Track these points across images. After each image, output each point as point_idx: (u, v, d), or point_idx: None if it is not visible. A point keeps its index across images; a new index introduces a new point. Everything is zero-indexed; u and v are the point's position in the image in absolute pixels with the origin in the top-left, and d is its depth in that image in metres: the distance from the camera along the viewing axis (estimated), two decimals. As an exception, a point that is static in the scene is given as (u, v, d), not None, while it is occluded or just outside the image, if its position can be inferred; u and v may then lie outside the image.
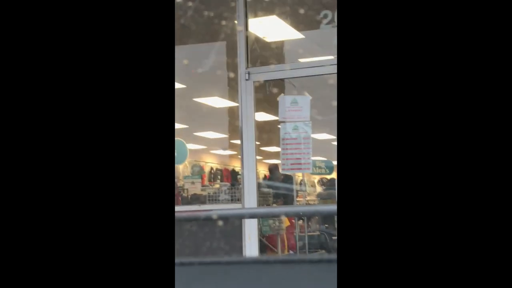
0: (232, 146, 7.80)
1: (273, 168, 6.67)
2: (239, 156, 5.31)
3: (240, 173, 5.62)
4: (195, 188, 6.06)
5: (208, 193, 5.75)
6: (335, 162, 6.09)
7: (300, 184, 7.25)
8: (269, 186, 6.41)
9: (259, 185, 5.49)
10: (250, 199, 5.14)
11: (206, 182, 7.71)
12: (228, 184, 5.97)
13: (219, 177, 8.06)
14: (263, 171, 8.15)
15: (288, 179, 6.28)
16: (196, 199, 5.75)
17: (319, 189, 8.70)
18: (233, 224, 5.11)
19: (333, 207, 4.02)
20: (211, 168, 8.37)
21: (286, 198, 6.28)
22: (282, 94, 5.17)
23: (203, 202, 5.64)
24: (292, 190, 6.16)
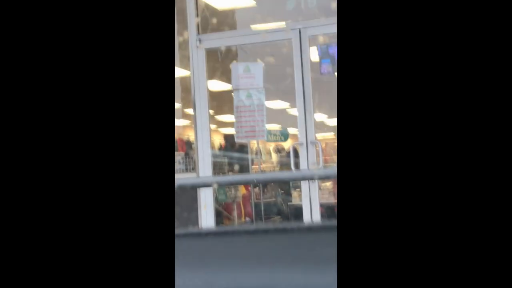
0: (185, 116, 7.74)
1: (229, 137, 6.67)
2: (193, 126, 5.27)
3: (194, 143, 5.58)
4: (149, 159, 5.99)
5: (163, 164, 5.69)
6: (289, 130, 6.11)
7: (256, 152, 7.27)
8: (224, 155, 6.41)
9: (213, 154, 5.48)
10: (205, 169, 5.13)
11: (161, 153, 7.62)
12: (182, 154, 5.92)
13: (173, 147, 8.02)
14: (218, 140, 8.14)
15: (243, 147, 6.29)
16: None
17: (274, 156, 8.75)
18: (188, 194, 5.10)
19: (288, 174, 4.05)
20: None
21: (242, 166, 6.29)
22: (235, 62, 5.13)
23: (158, 173, 5.58)
24: (247, 158, 6.18)
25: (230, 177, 4.17)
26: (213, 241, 0.56)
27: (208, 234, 0.58)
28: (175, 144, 8.03)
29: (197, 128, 5.14)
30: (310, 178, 4.15)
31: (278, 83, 5.61)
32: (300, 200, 5.35)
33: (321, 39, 4.99)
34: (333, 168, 4.86)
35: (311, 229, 0.51)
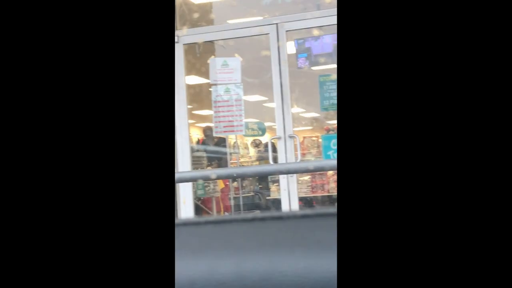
0: (163, 111, 7.66)
1: (207, 131, 6.66)
2: (171, 121, 5.26)
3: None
4: (127, 154, 5.96)
5: (141, 159, 5.67)
6: (267, 123, 6.14)
7: (234, 146, 7.28)
8: (202, 150, 6.41)
9: (192, 149, 5.48)
10: (184, 163, 5.13)
11: (139, 148, 7.59)
12: (161, 149, 5.90)
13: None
14: (196, 135, 8.12)
15: (222, 141, 6.30)
16: None
17: (252, 150, 8.77)
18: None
19: (267, 168, 4.07)
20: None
21: (220, 161, 6.30)
22: (213, 57, 5.14)
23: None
24: (225, 152, 6.19)
25: (210, 172, 4.18)
26: (192, 230, 0.57)
27: (187, 224, 0.59)
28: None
29: (175, 123, 5.14)
30: (289, 172, 4.18)
31: (255, 78, 5.63)
32: (279, 194, 5.39)
33: (297, 33, 5.02)
34: (311, 162, 4.90)
35: (290, 217, 0.52)
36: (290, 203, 4.92)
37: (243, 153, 8.43)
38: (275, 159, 5.05)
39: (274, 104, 4.97)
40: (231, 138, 6.73)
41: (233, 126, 5.05)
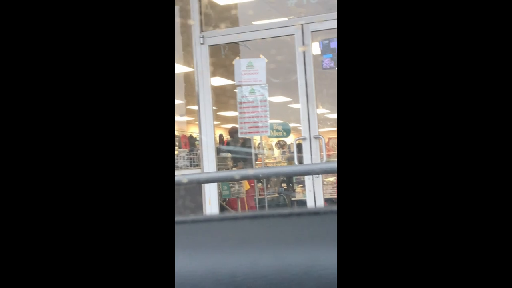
0: (189, 112, 7.73)
1: (233, 132, 6.68)
2: (197, 122, 5.28)
3: (198, 139, 5.59)
4: (153, 155, 6.00)
5: (167, 160, 5.71)
6: (291, 124, 6.13)
7: (258, 147, 7.29)
8: (227, 151, 6.43)
9: (217, 150, 5.50)
10: (209, 164, 5.15)
11: (164, 149, 7.63)
12: (186, 150, 5.94)
13: (177, 143, 8.02)
14: (222, 136, 8.14)
15: (247, 142, 6.31)
16: None
17: (277, 151, 8.76)
18: (193, 190, 5.12)
19: (293, 168, 4.07)
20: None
21: (245, 162, 6.31)
22: (238, 58, 5.15)
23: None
24: (250, 153, 6.20)
25: (234, 172, 4.19)
26: (231, 225, 0.57)
27: (225, 219, 0.59)
28: (179, 141, 8.03)
29: (201, 124, 5.17)
30: (314, 173, 4.16)
31: (280, 78, 5.62)
32: (304, 195, 5.37)
33: (323, 34, 5.00)
34: (336, 163, 4.84)
35: (317, 212, 0.52)
36: (315, 204, 4.91)
37: (268, 154, 8.43)
38: (300, 160, 5.04)
39: (299, 105, 4.96)
40: (255, 139, 6.73)
41: (258, 127, 5.06)
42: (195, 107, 5.31)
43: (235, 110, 5.09)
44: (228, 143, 7.06)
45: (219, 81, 6.00)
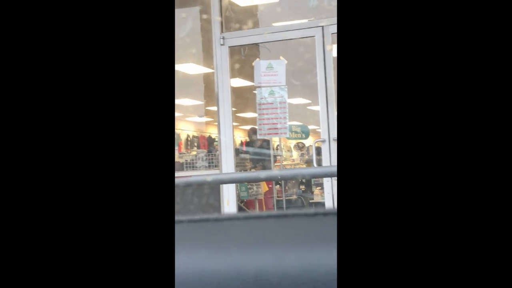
0: (208, 113, 7.75)
1: (252, 133, 6.68)
2: (216, 123, 5.29)
3: (216, 139, 5.61)
4: (172, 156, 6.03)
5: (186, 160, 5.75)
6: (310, 127, 6.11)
7: (277, 149, 7.28)
8: (246, 152, 6.43)
9: (236, 151, 5.51)
10: (228, 165, 5.16)
11: (183, 150, 7.69)
12: (205, 151, 5.96)
13: (195, 144, 8.04)
14: (239, 137, 8.15)
15: (266, 144, 6.30)
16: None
17: (295, 153, 8.74)
18: (211, 191, 5.13)
19: (317, 170, 4.05)
20: (188, 136, 8.34)
21: (264, 163, 6.31)
22: (258, 59, 5.15)
23: (181, 170, 5.63)
24: (269, 155, 6.19)
25: (255, 173, 4.19)
26: (254, 224, 0.57)
27: (248, 218, 0.59)
28: (198, 142, 8.07)
29: (220, 125, 5.18)
30: (333, 175, 4.15)
31: (300, 80, 5.61)
32: (322, 197, 5.35)
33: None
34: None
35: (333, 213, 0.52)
36: (334, 206, 4.89)
37: (286, 156, 8.41)
38: (319, 163, 5.02)
39: (319, 107, 4.95)
40: (274, 141, 6.73)
41: (277, 128, 5.05)
42: (214, 108, 5.32)
43: (254, 111, 5.09)
44: (247, 144, 7.06)
45: (239, 82, 6.00)
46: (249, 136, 6.84)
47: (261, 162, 6.31)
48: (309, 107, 7.08)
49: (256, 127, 5.12)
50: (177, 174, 5.44)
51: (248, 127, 7.66)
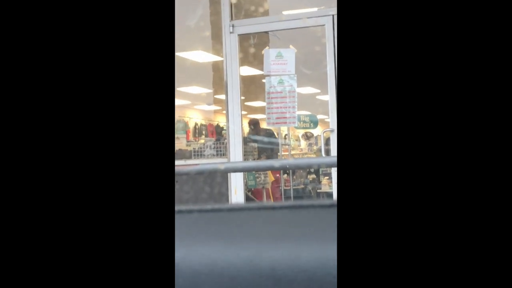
0: (216, 102, 7.75)
1: (251, 123, 6.65)
2: (224, 112, 5.28)
3: (225, 128, 5.60)
4: (180, 144, 6.05)
5: (194, 148, 5.75)
6: (319, 116, 6.09)
7: (285, 138, 7.27)
8: (254, 141, 6.42)
9: (244, 140, 5.50)
10: (236, 154, 5.15)
11: (191, 138, 7.70)
12: (213, 139, 5.95)
13: (203, 132, 8.05)
14: (247, 127, 8.15)
15: (271, 133, 6.28)
16: (181, 154, 5.74)
17: (303, 143, 8.73)
18: (219, 179, 5.13)
19: (319, 160, 4.04)
20: (196, 124, 8.34)
21: (271, 153, 6.30)
22: (267, 47, 5.12)
23: (189, 158, 5.63)
24: (277, 144, 6.18)
25: (263, 162, 4.18)
26: (268, 215, 0.56)
27: (261, 208, 0.58)
28: (205, 130, 8.07)
29: (228, 114, 5.16)
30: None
31: (309, 69, 5.59)
32: (330, 187, 5.35)
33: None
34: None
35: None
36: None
37: (294, 146, 8.40)
38: (327, 152, 5.01)
39: (328, 97, 4.92)
40: (282, 130, 6.71)
41: (285, 118, 5.03)
42: (222, 97, 5.31)
43: (262, 100, 5.06)
44: (254, 134, 7.05)
45: (248, 70, 5.98)
46: (249, 126, 6.80)
47: (267, 151, 6.30)
48: (318, 97, 7.06)
49: (256, 118, 5.09)
50: (185, 162, 5.45)
51: (257, 115, 7.64)
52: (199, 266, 0.49)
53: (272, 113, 5.03)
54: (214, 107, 8.11)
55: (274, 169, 5.29)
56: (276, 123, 5.11)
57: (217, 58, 5.64)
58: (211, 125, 7.82)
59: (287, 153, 7.08)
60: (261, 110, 5.91)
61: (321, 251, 0.47)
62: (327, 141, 5.05)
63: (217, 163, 4.84)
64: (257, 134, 6.43)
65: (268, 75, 4.97)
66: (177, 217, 0.56)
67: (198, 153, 5.64)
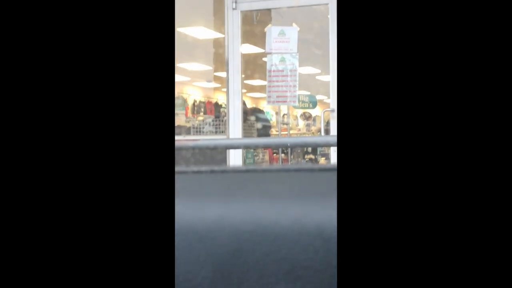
0: (216, 79, 7.72)
1: (257, 101, 6.65)
2: (224, 89, 5.27)
3: (224, 106, 5.59)
4: (179, 120, 6.05)
5: (193, 125, 5.75)
6: (318, 97, 6.08)
7: (284, 117, 7.26)
8: (253, 119, 6.42)
9: (244, 118, 5.49)
10: (236, 131, 5.15)
11: (190, 115, 7.68)
12: (212, 116, 5.95)
13: (202, 109, 8.03)
14: (247, 104, 8.14)
15: (261, 111, 6.26)
16: (180, 130, 5.74)
17: (302, 123, 8.73)
18: (217, 157, 5.14)
19: (319, 139, 4.05)
20: (195, 101, 8.32)
21: (264, 131, 6.30)
22: (270, 25, 5.09)
23: (187, 134, 5.64)
24: (268, 121, 6.18)
25: (263, 140, 4.18)
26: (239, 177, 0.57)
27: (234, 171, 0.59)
28: (204, 107, 8.05)
29: (229, 91, 5.15)
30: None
31: (312, 49, 5.56)
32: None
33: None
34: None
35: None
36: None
37: (292, 125, 8.41)
38: (327, 132, 5.01)
39: (329, 77, 4.91)
40: (281, 110, 6.71)
41: (286, 96, 5.02)
42: (222, 74, 5.28)
43: (262, 79, 5.05)
44: (252, 112, 7.04)
45: (249, 48, 5.95)
46: (254, 103, 6.79)
47: (268, 129, 6.29)
48: (317, 77, 7.04)
49: (261, 95, 5.07)
50: (184, 137, 5.44)
51: (254, 94, 7.62)
52: (240, 224, 0.49)
53: (272, 91, 5.01)
54: (214, 84, 8.09)
55: (278, 147, 5.29)
56: (277, 101, 5.10)
57: (218, 35, 5.60)
58: (209, 102, 7.80)
59: (285, 132, 7.08)
60: (260, 88, 5.90)
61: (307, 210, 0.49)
62: (327, 121, 5.05)
63: (217, 139, 4.83)
64: (245, 113, 6.44)
65: (270, 53, 4.95)
66: (211, 176, 0.57)
67: (197, 130, 5.64)
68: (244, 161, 5.67)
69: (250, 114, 6.25)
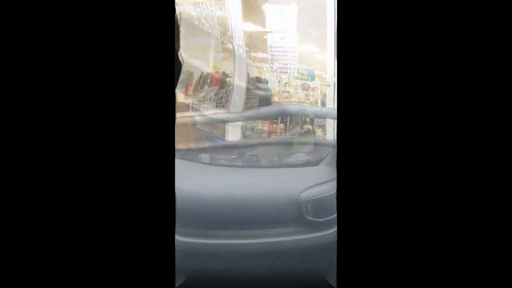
0: (224, 50, 7.68)
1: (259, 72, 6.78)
2: (231, 59, 5.42)
3: (230, 75, 5.72)
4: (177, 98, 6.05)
5: (192, 101, 5.84)
6: (316, 72, 6.29)
7: (285, 85, 7.43)
8: (254, 89, 6.58)
9: (246, 89, 5.69)
10: (238, 104, 5.34)
11: (190, 92, 7.71)
12: (216, 88, 6.10)
13: (208, 81, 8.10)
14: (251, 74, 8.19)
15: (260, 80, 6.36)
16: (177, 108, 5.75)
17: (302, 93, 8.87)
18: (216, 129, 5.32)
19: (319, 109, 4.24)
20: (202, 73, 8.33)
21: (266, 100, 6.41)
22: (268, 3, 5.24)
23: (186, 111, 5.69)
24: (275, 91, 6.31)
25: (264, 109, 4.43)
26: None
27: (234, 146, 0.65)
28: (211, 78, 8.05)
29: (236, 61, 5.33)
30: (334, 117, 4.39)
31: (310, 27, 5.72)
32: (324, 139, 5.61)
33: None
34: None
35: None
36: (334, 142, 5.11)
37: (293, 94, 8.55)
38: (323, 104, 5.25)
39: (327, 55, 5.13)
40: (283, 79, 6.86)
41: (287, 68, 5.25)
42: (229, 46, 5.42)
43: (264, 52, 5.26)
44: (253, 82, 7.17)
45: (250, 27, 6.10)
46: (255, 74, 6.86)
47: (268, 98, 6.43)
48: (316, 55, 7.18)
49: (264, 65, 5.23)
50: (182, 114, 5.53)
51: (261, 64, 7.69)
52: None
53: (274, 63, 5.23)
54: (222, 55, 8.11)
55: (270, 118, 5.49)
56: (278, 72, 5.33)
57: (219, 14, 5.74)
58: (217, 72, 7.85)
59: (287, 100, 7.24)
60: (263, 60, 6.05)
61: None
62: (325, 95, 5.28)
63: (216, 112, 5.05)
64: (261, 82, 6.56)
65: (270, 32, 5.15)
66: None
67: (197, 107, 5.71)
68: (243, 133, 5.86)
69: (253, 84, 6.40)
